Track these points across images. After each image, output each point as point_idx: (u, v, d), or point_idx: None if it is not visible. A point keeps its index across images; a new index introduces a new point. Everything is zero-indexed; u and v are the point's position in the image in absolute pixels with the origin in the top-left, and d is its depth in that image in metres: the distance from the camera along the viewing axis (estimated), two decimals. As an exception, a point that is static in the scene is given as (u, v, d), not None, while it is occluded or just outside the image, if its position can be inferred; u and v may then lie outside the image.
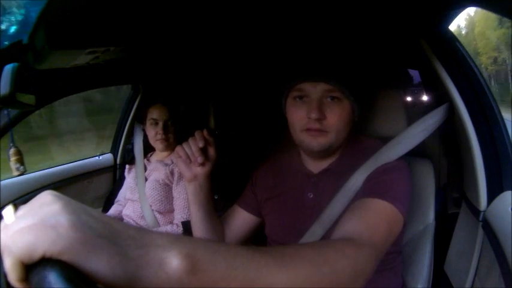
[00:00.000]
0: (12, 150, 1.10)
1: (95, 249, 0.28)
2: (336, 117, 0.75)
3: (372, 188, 0.71)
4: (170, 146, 1.43)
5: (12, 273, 0.27)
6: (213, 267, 0.33)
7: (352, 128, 0.81)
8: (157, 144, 1.42)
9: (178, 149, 0.79)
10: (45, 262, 0.26)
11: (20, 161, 1.12)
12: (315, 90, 0.75)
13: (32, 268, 0.27)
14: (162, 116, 1.39)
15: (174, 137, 1.41)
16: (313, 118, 0.74)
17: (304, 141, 0.78)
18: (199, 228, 0.83)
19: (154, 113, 1.40)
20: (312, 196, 0.82)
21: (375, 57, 1.35)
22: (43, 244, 0.26)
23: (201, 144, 0.77)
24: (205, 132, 0.79)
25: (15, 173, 1.12)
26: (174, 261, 0.31)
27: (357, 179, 0.76)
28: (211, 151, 0.80)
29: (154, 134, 1.40)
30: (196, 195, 0.81)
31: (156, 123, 1.39)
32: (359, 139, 0.86)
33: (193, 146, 0.78)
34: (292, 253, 0.43)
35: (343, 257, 0.48)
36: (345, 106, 0.76)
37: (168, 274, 0.30)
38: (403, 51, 1.27)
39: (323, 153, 0.80)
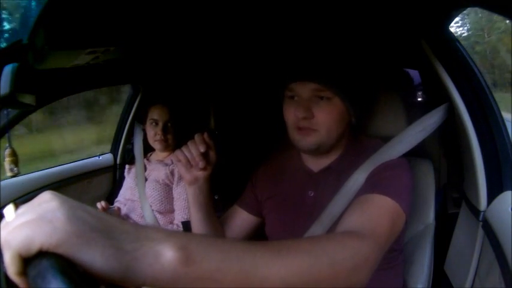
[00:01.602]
0: (8, 151, 1.10)
1: (90, 242, 0.28)
2: (325, 115, 0.75)
3: (373, 185, 0.71)
4: (169, 147, 1.43)
5: (11, 266, 0.28)
6: (208, 258, 0.33)
7: (348, 127, 0.81)
8: (156, 145, 1.42)
9: (178, 153, 0.79)
10: (42, 256, 0.27)
11: (15, 162, 1.11)
12: (304, 89, 0.76)
13: (29, 262, 0.28)
14: (163, 117, 1.39)
15: (173, 138, 1.41)
16: (300, 117, 0.75)
17: (295, 139, 0.79)
18: (199, 230, 0.83)
19: (154, 113, 1.40)
20: (312, 194, 0.82)
21: (372, 57, 1.35)
22: (40, 237, 0.27)
23: (202, 149, 0.77)
24: (205, 135, 0.79)
25: (9, 173, 1.12)
26: (168, 253, 0.31)
27: (357, 178, 0.76)
28: (212, 154, 0.80)
29: (153, 134, 1.40)
30: (196, 197, 0.81)
31: (156, 124, 1.39)
32: (360, 139, 0.86)
33: (194, 150, 0.77)
34: (290, 245, 0.43)
35: (343, 249, 0.48)
36: (336, 105, 0.76)
37: (163, 266, 0.31)
38: (403, 51, 1.27)
39: (315, 152, 0.80)
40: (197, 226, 0.84)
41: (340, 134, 0.79)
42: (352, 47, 0.84)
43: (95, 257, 0.28)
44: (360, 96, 0.80)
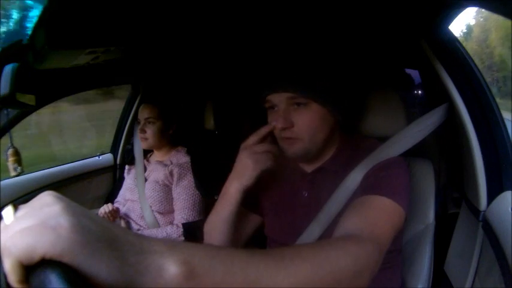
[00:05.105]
0: (10, 151, 1.10)
1: (95, 252, 0.28)
2: (305, 122, 0.75)
3: (370, 185, 0.71)
4: (155, 145, 1.43)
5: (12, 274, 0.27)
6: (211, 272, 0.33)
7: (336, 127, 0.80)
8: (141, 143, 1.43)
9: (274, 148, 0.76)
10: (45, 264, 0.26)
11: (18, 161, 1.12)
12: (280, 99, 0.75)
13: (32, 269, 0.27)
14: (144, 115, 1.39)
15: (153, 135, 1.39)
16: (279, 128, 0.74)
17: (282, 148, 0.78)
18: (222, 230, 0.79)
19: (139, 113, 1.41)
20: (306, 195, 0.82)
21: (371, 57, 1.35)
22: (43, 245, 0.26)
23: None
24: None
25: (13, 173, 1.13)
26: (171, 268, 0.31)
27: (355, 178, 0.76)
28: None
29: (138, 133, 1.41)
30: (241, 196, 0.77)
31: (139, 123, 1.40)
32: (354, 138, 0.86)
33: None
34: (293, 254, 0.43)
35: (345, 255, 0.48)
36: (314, 110, 0.75)
37: (166, 280, 0.30)
38: (403, 51, 1.27)
39: (303, 159, 0.80)
40: (224, 228, 0.78)
41: (326, 136, 0.78)
42: (325, 51, 0.83)
43: (100, 269, 0.27)
44: (342, 96, 0.78)
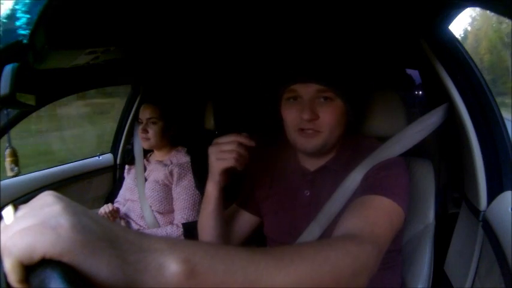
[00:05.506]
0: (8, 151, 1.10)
1: (95, 252, 0.27)
2: (329, 116, 0.75)
3: (370, 185, 0.71)
4: (156, 145, 1.43)
5: (12, 274, 0.27)
6: (212, 271, 0.33)
7: (346, 127, 0.81)
8: (142, 143, 1.43)
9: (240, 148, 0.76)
10: (45, 264, 0.26)
11: (15, 162, 1.11)
12: (307, 90, 0.75)
13: (32, 269, 0.27)
14: (145, 115, 1.39)
15: (155, 135, 1.39)
16: (306, 119, 0.74)
17: (297, 141, 0.78)
18: (210, 225, 0.82)
19: (141, 113, 1.41)
20: (308, 194, 0.82)
21: (372, 57, 1.35)
22: (43, 245, 0.26)
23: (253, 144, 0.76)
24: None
25: (10, 173, 1.12)
26: (172, 266, 0.30)
27: (355, 178, 0.77)
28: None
29: (139, 133, 1.41)
30: (220, 193, 0.79)
31: (141, 123, 1.40)
32: (356, 138, 0.86)
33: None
34: (293, 253, 0.43)
35: (345, 255, 0.48)
36: (338, 105, 0.76)
37: (167, 279, 0.30)
38: (403, 51, 1.27)
39: (317, 153, 0.80)
40: (208, 223, 0.81)
41: (340, 134, 0.79)
42: (353, 47, 0.84)
43: (101, 268, 0.27)
44: (358, 96, 0.80)
